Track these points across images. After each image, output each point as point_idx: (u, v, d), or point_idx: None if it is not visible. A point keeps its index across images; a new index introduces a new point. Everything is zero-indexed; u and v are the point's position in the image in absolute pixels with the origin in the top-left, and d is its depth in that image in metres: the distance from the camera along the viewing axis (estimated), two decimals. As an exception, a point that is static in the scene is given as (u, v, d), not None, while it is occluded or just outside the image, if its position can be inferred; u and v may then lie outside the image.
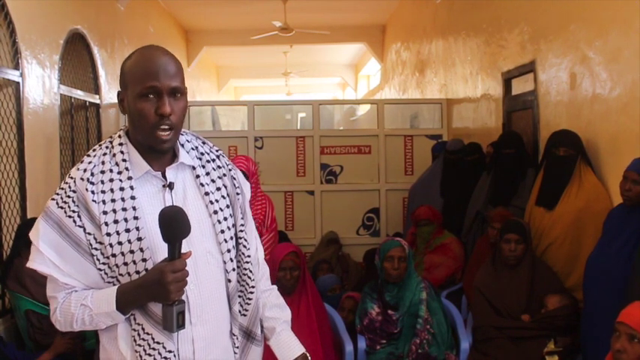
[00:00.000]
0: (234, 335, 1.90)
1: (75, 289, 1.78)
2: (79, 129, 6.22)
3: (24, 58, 4.78)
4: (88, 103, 6.42)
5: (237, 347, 1.90)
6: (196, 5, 10.44)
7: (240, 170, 4.78)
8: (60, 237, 1.74)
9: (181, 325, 1.70)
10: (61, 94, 5.56)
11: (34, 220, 4.63)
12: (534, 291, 3.89)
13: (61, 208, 1.75)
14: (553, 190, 4.07)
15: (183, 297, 1.73)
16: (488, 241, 4.66)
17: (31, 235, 1.78)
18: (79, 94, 6.12)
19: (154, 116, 1.73)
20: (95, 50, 6.53)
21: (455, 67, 7.30)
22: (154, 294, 1.69)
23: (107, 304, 1.72)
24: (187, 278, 1.71)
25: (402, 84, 10.76)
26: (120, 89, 1.83)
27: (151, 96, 1.73)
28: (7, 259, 4.25)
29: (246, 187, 2.02)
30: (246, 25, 11.85)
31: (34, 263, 1.77)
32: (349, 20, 11.98)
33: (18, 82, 4.69)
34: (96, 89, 6.64)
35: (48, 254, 1.74)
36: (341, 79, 18.89)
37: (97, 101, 6.65)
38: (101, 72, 6.71)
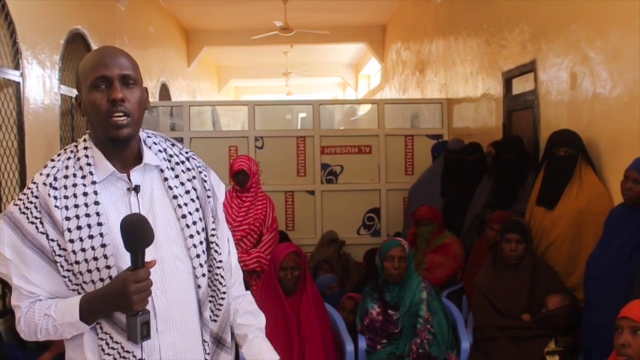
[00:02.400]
0: (205, 342, 1.85)
1: (39, 298, 1.74)
2: (79, 129, 6.22)
3: (24, 59, 4.78)
4: (88, 103, 6.43)
5: (208, 354, 1.85)
6: (197, 5, 10.44)
7: (241, 170, 4.83)
8: (22, 244, 1.70)
9: (146, 336, 1.65)
10: (61, 94, 5.57)
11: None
12: (535, 291, 3.89)
13: (24, 213, 1.71)
14: (553, 189, 4.07)
15: (149, 304, 1.69)
16: (486, 242, 4.66)
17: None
18: (79, 94, 6.13)
19: (106, 104, 1.69)
20: (95, 50, 6.54)
21: (455, 67, 7.29)
22: (117, 304, 1.64)
23: (70, 315, 1.68)
24: (153, 285, 1.67)
25: (402, 84, 10.76)
26: (77, 94, 1.80)
27: (103, 86, 1.70)
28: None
29: (219, 189, 1.96)
30: (247, 25, 11.85)
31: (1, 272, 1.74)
32: (349, 20, 11.99)
33: (18, 83, 4.69)
34: (96, 89, 6.64)
35: (13, 260, 1.71)
36: (341, 79, 18.89)
37: (98, 101, 6.65)
38: (101, 72, 6.71)
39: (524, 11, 5.17)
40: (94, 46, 6.48)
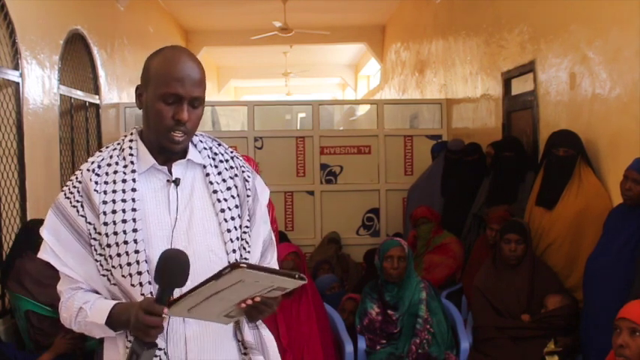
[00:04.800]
0: (240, 341, 1.86)
1: (81, 286, 1.79)
2: (78, 129, 6.22)
3: (24, 59, 4.78)
4: (87, 104, 6.42)
5: (245, 354, 1.86)
6: (196, 5, 10.43)
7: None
8: (63, 226, 1.77)
9: None
10: (60, 95, 5.56)
11: (35, 220, 4.63)
12: (534, 291, 3.89)
13: (68, 198, 1.79)
14: (553, 190, 4.07)
15: (179, 292, 1.65)
16: (486, 242, 4.66)
17: (44, 224, 1.83)
18: (78, 94, 6.12)
19: (170, 120, 1.75)
20: (95, 50, 6.53)
21: (455, 67, 7.29)
22: (133, 325, 1.62)
23: (100, 317, 1.72)
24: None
25: (401, 84, 10.76)
26: (140, 83, 1.83)
27: (171, 101, 1.75)
28: (7, 260, 4.25)
29: (263, 193, 2.01)
30: (246, 25, 11.84)
31: (41, 251, 1.83)
32: (349, 20, 11.98)
33: (18, 83, 4.69)
34: (96, 89, 6.64)
35: (50, 242, 1.78)
36: (341, 80, 18.88)
37: (97, 101, 6.65)
38: (101, 72, 6.71)
39: (524, 11, 5.17)
40: (94, 47, 6.48)
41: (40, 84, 5.12)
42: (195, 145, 1.89)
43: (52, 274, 4.55)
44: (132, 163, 1.80)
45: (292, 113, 9.92)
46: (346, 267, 6.40)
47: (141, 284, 1.71)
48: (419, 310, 3.91)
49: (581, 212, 3.90)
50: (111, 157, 1.82)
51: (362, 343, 3.98)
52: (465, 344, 3.99)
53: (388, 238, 4.50)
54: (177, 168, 1.83)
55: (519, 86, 5.45)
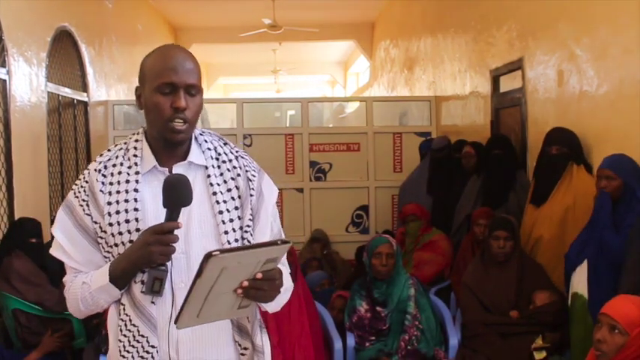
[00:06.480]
0: (237, 342, 1.86)
1: (81, 271, 1.84)
2: (66, 127, 6.19)
3: (11, 56, 4.75)
4: (75, 101, 6.39)
5: (243, 355, 1.86)
6: (185, 2, 10.40)
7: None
8: (72, 224, 1.82)
9: (157, 292, 1.71)
10: (48, 92, 5.53)
11: (22, 219, 4.59)
12: (522, 287, 3.91)
13: (76, 197, 1.84)
14: (544, 187, 4.09)
15: (169, 295, 1.75)
16: (473, 239, 4.69)
17: (55, 222, 1.88)
18: (66, 91, 6.09)
19: (169, 110, 1.77)
20: (83, 48, 6.50)
21: (443, 65, 7.31)
22: (138, 256, 1.70)
23: (102, 278, 1.76)
24: (177, 277, 1.75)
25: (390, 81, 10.78)
26: (138, 85, 1.86)
27: (168, 91, 1.77)
28: (-5, 258, 4.22)
29: (270, 193, 1.98)
30: (235, 22, 11.82)
31: (52, 248, 1.88)
32: (338, 17, 11.98)
33: (5, 80, 4.66)
34: (84, 87, 6.61)
35: (60, 240, 1.83)
36: (330, 77, 18.88)
37: (85, 99, 6.62)
38: (89, 70, 6.68)
39: (512, 9, 5.19)
40: (82, 44, 6.45)
41: (28, 81, 5.09)
42: (200, 145, 1.90)
43: (40, 273, 4.54)
44: (135, 164, 1.83)
45: (281, 110, 9.90)
46: (334, 265, 6.39)
47: (142, 282, 1.74)
48: (407, 307, 3.92)
49: (569, 208, 3.91)
50: (117, 157, 1.85)
51: (351, 340, 3.99)
52: (454, 340, 4.01)
53: (377, 235, 4.50)
54: (178, 169, 1.84)
55: (507, 83, 5.47)
